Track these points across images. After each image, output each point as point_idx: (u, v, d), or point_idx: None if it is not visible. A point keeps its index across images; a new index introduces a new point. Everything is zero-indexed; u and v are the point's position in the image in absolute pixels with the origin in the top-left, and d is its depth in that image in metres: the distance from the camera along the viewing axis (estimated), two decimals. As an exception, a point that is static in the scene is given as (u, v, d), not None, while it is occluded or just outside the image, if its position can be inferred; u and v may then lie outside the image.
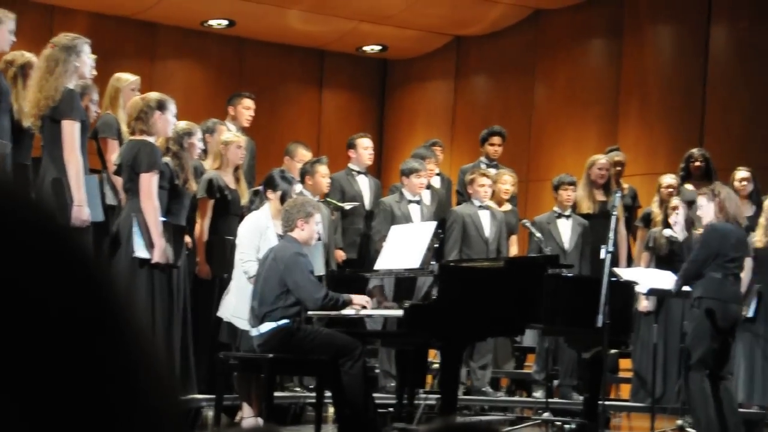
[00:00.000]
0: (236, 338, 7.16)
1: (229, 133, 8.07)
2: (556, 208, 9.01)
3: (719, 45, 11.41)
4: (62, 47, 6.42)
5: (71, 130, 6.29)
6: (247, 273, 6.90)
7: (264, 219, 7.07)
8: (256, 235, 7.03)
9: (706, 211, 7.13)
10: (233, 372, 6.81)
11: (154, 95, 6.78)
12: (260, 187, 7.56)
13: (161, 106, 6.63)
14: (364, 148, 9.05)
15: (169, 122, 6.67)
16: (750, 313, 8.25)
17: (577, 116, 12.30)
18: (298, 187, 7.56)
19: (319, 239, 7.72)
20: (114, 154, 6.97)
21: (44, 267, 0.79)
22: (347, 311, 6.53)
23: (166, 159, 6.72)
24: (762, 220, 8.34)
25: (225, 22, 12.70)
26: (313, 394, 7.02)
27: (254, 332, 6.52)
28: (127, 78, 7.56)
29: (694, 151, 9.71)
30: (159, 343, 0.89)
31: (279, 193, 7.21)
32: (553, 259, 6.94)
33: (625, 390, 9.52)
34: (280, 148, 9.48)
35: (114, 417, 0.80)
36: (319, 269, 7.24)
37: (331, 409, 7.37)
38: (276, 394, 6.90)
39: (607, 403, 7.49)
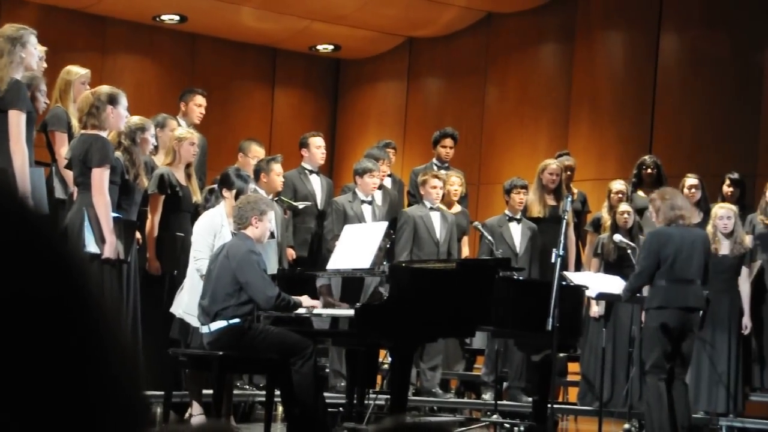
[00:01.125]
0: (188, 335, 7.13)
1: (183, 129, 8.02)
2: (507, 212, 9.05)
3: (669, 52, 11.52)
4: (7, 38, 6.33)
5: (17, 121, 6.21)
6: (199, 271, 6.87)
7: (219, 217, 7.05)
8: (211, 233, 7.00)
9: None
10: (183, 369, 6.77)
11: (105, 89, 6.71)
12: (215, 186, 7.53)
13: (113, 100, 6.57)
14: (317, 147, 9.05)
15: (121, 116, 6.61)
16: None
17: (529, 120, 12.36)
18: (252, 186, 7.53)
19: (272, 237, 7.72)
20: (64, 148, 6.90)
21: (20, 252, 0.80)
22: (299, 311, 6.52)
23: (118, 154, 6.67)
24: (709, 228, 8.45)
25: (177, 18, 12.63)
26: (263, 393, 6.98)
27: (204, 330, 6.48)
28: (77, 71, 7.49)
29: (647, 158, 9.79)
30: (126, 328, 0.90)
31: (234, 191, 7.19)
32: (504, 262, 6.96)
33: (573, 393, 9.59)
34: (232, 145, 9.43)
35: (88, 396, 0.81)
36: (273, 268, 7.22)
37: (280, 408, 7.35)
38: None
39: (555, 406, 7.52)
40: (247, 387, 8.14)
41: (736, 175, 9.31)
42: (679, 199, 7.23)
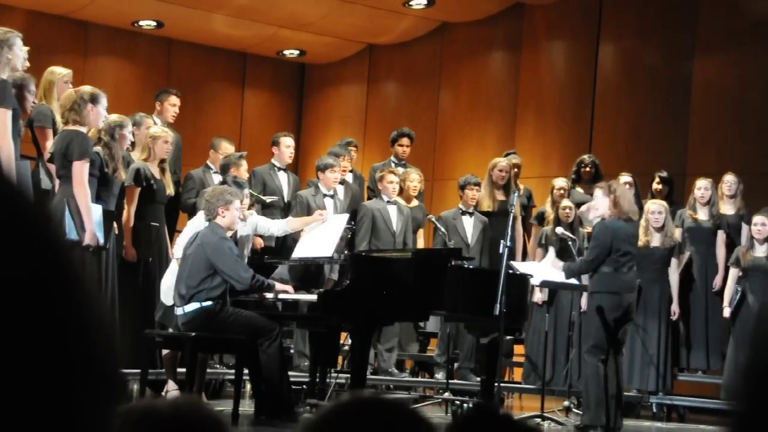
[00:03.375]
0: (168, 317, 7.06)
1: (158, 127, 7.98)
2: (460, 206, 9.04)
3: (607, 61, 11.59)
4: (-6, 41, 6.24)
5: (3, 118, 6.12)
6: (174, 255, 6.82)
7: (203, 222, 6.96)
8: (194, 232, 6.92)
9: (601, 204, 7.12)
10: (159, 348, 6.72)
11: (87, 88, 6.66)
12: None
13: (94, 99, 6.52)
14: (287, 146, 9.01)
15: (101, 115, 6.57)
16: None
17: (479, 122, 12.37)
18: (246, 190, 7.40)
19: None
20: (48, 142, 6.83)
21: (7, 231, 0.78)
22: (268, 295, 6.49)
23: (97, 148, 6.61)
24: (642, 222, 8.49)
25: (154, 23, 12.51)
26: (232, 371, 6.95)
27: (179, 311, 6.44)
28: (60, 71, 7.42)
29: (585, 157, 9.84)
30: (105, 309, 0.89)
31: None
32: (456, 252, 6.98)
33: (518, 373, 9.61)
34: (205, 142, 9.39)
35: (68, 370, 0.80)
36: (245, 255, 7.17)
37: (248, 386, 7.31)
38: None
39: (501, 384, 7.53)
40: (218, 366, 8.10)
41: (664, 174, 9.38)
42: (628, 194, 7.28)
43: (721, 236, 8.91)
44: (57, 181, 6.61)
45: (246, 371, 6.54)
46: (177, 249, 6.82)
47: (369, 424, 1.25)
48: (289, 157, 9.06)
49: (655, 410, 8.77)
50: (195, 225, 6.90)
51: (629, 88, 11.24)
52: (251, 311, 6.52)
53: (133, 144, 7.54)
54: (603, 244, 7.03)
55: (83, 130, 6.46)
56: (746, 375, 0.89)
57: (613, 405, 6.97)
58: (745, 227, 8.79)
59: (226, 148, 8.67)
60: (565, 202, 8.87)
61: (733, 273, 8.51)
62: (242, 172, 8.05)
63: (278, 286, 6.48)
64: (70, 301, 0.80)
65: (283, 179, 8.98)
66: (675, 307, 8.68)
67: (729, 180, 9.00)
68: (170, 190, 7.66)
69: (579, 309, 8.62)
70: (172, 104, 8.73)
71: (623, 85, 11.31)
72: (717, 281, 8.82)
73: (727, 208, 8.98)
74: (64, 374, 0.79)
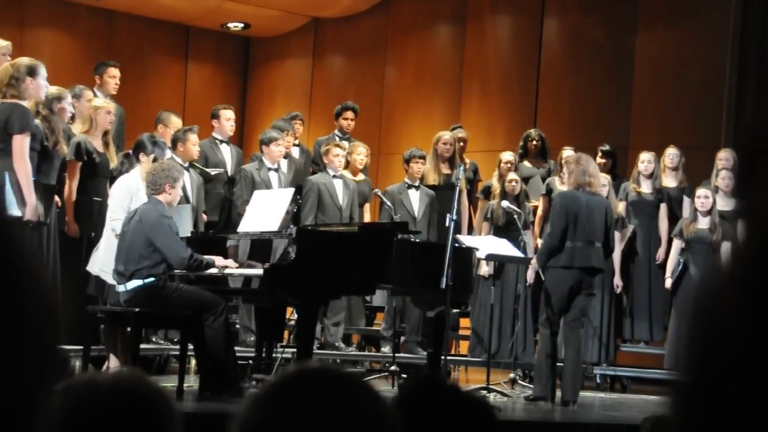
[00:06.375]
0: (104, 292, 7.01)
1: (100, 99, 7.87)
2: (406, 179, 9.03)
3: (551, 35, 11.64)
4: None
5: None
6: (114, 230, 6.74)
7: (135, 181, 6.91)
8: (127, 196, 6.88)
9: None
10: (100, 324, 6.65)
11: (25, 60, 6.54)
12: (130, 151, 7.41)
13: (32, 72, 6.41)
14: (227, 119, 8.93)
15: (41, 87, 6.46)
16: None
17: (425, 96, 12.36)
18: (168, 153, 7.42)
19: (188, 202, 7.63)
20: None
21: None
22: (211, 270, 6.43)
23: (37, 122, 6.50)
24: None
25: (94, -6, 12.31)
26: (177, 347, 6.91)
27: (121, 288, 6.37)
28: (-2, 43, 7.26)
29: (532, 131, 9.88)
30: (47, 285, 0.87)
31: (152, 156, 7.09)
32: (403, 226, 6.98)
33: (464, 346, 9.65)
34: (147, 116, 9.30)
35: (11, 344, 0.79)
36: (188, 230, 7.12)
37: (194, 361, 7.27)
38: (141, 346, 6.78)
39: (448, 357, 7.56)
40: (162, 342, 8.03)
41: (607, 147, 9.45)
42: (591, 166, 7.22)
43: (663, 209, 8.99)
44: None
45: (191, 347, 6.50)
46: (116, 224, 6.73)
47: (316, 395, 1.23)
48: (230, 129, 8.98)
49: (598, 381, 8.86)
50: (126, 186, 6.81)
51: (573, 62, 11.29)
52: (195, 286, 6.46)
53: (73, 117, 7.44)
54: (560, 214, 7.03)
55: (23, 103, 6.34)
56: (687, 346, 0.89)
57: (568, 377, 7.00)
58: (686, 200, 8.89)
59: (175, 122, 8.56)
60: (512, 175, 8.87)
61: (676, 245, 8.60)
62: (189, 146, 7.97)
63: (219, 261, 6.41)
64: (11, 276, 0.79)
65: (226, 152, 8.93)
66: (618, 280, 8.75)
67: (671, 153, 9.09)
68: (114, 164, 7.53)
69: (525, 282, 8.68)
70: (112, 76, 8.61)
71: (567, 60, 11.37)
72: (660, 253, 8.90)
73: (669, 181, 9.07)
74: (6, 348, 0.77)
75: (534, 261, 7.34)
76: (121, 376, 1.42)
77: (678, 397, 0.89)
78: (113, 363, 6.63)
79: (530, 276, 8.59)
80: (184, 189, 7.32)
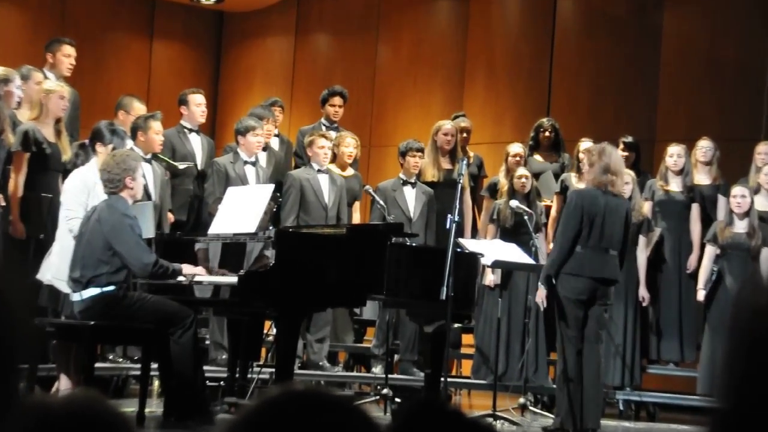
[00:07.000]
0: (58, 302, 6.99)
1: (52, 82, 7.84)
2: (401, 175, 9.02)
3: (566, 11, 11.64)
4: None
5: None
6: (72, 231, 6.73)
7: (92, 175, 6.90)
8: (84, 191, 6.88)
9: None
10: (51, 340, 6.63)
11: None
12: (86, 141, 7.39)
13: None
14: (197, 104, 8.93)
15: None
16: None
17: (423, 80, 12.37)
18: (129, 143, 7.41)
19: (149, 199, 7.61)
20: None
21: None
22: (180, 278, 6.43)
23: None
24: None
25: (45, -39, 12.29)
26: (138, 366, 6.88)
27: (76, 298, 6.36)
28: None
29: (544, 120, 9.86)
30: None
31: (110, 146, 7.08)
32: (397, 228, 6.98)
33: (467, 366, 9.63)
34: (106, 101, 9.31)
35: None
36: (150, 232, 7.09)
37: (156, 382, 7.26)
38: (97, 364, 6.75)
39: (448, 379, 7.53)
40: (121, 360, 8.02)
41: (630, 139, 9.42)
42: (614, 161, 7.11)
43: (695, 210, 8.98)
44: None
45: (154, 365, 6.48)
46: (74, 223, 6.71)
47: (301, 422, 1.21)
48: (201, 117, 8.98)
49: (621, 408, 8.84)
50: (81, 180, 6.78)
51: (591, 42, 11.30)
52: (161, 296, 6.45)
53: (20, 102, 7.44)
54: (575, 212, 7.02)
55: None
56: (725, 368, 0.88)
57: (588, 401, 6.97)
58: (721, 199, 8.88)
59: (139, 108, 8.57)
60: (521, 171, 8.86)
61: (710, 251, 8.58)
62: (151, 136, 7.96)
63: (187, 269, 6.41)
64: None
65: (196, 143, 8.92)
66: (643, 291, 8.74)
67: (704, 146, 9.07)
68: (67, 156, 7.52)
69: (536, 292, 8.65)
70: (67, 55, 8.60)
71: (585, 39, 11.37)
72: (691, 261, 8.89)
73: (702, 178, 9.05)
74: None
75: (541, 280, 7.26)
76: (74, 399, 1.40)
77: (715, 428, 0.88)
78: (64, 384, 6.61)
79: (540, 298, 8.16)
80: (145, 186, 7.31)
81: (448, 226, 6.66)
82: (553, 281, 7.08)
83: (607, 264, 7.04)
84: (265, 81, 13.40)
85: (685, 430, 8.02)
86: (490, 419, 7.35)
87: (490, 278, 8.83)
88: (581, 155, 8.84)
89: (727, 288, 8.41)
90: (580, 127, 10.31)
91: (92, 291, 6.28)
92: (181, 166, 8.56)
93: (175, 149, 8.71)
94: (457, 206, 6.79)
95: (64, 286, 6.73)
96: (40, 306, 7.06)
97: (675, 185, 9.01)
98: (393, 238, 6.51)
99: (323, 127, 9.60)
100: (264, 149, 8.89)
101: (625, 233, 7.16)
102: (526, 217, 8.33)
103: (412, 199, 8.94)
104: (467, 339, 9.69)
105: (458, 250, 6.89)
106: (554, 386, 7.70)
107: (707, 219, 8.93)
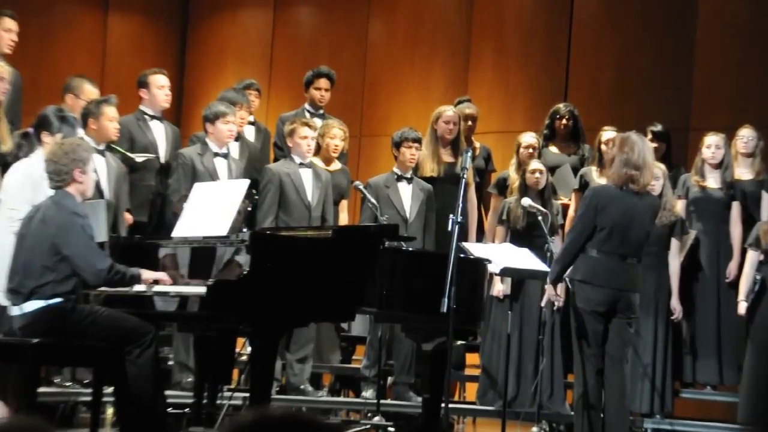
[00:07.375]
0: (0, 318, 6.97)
1: (-14, 61, 7.88)
2: (395, 169, 9.04)
3: (588, -17, 11.70)
4: None
5: None
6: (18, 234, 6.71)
7: (38, 167, 6.91)
8: (29, 186, 6.93)
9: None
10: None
11: None
12: (30, 129, 7.39)
13: None
14: (159, 87, 9.00)
15: None
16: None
17: (421, 61, 12.49)
18: (80, 132, 7.39)
19: (102, 197, 7.59)
20: None
21: None
22: (137, 287, 6.43)
23: None
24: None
25: None
26: (89, 390, 6.89)
27: (15, 311, 6.34)
28: None
29: (561, 106, 9.95)
30: None
31: (59, 135, 7.13)
32: (391, 230, 6.96)
33: (472, 390, 9.64)
34: (53, 83, 9.38)
35: None
36: (102, 235, 7.08)
37: (110, 409, 7.31)
38: (40, 389, 6.76)
39: (450, 405, 7.53)
40: (69, 384, 8.03)
41: (659, 128, 9.51)
42: (637, 154, 7.02)
43: (736, 209, 9.02)
44: None
45: (108, 390, 6.47)
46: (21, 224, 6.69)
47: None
48: (164, 101, 9.04)
49: (650, 438, 8.86)
50: (26, 174, 6.71)
51: (616, 18, 11.38)
52: (117, 309, 6.45)
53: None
54: (588, 211, 7.04)
55: None
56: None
57: (612, 428, 6.98)
58: (765, 197, 8.92)
59: (90, 91, 8.63)
60: (535, 164, 8.92)
61: (752, 257, 8.61)
62: (104, 123, 7.99)
63: (147, 274, 6.40)
64: None
65: (158, 131, 8.97)
66: (676, 303, 8.76)
67: (745, 135, 9.13)
68: (7, 146, 7.55)
69: (551, 305, 8.65)
70: (6, 29, 8.68)
71: (608, 14, 11.44)
72: (731, 268, 8.92)
73: (743, 173, 9.11)
74: None
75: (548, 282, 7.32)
76: (16, 426, 1.33)
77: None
78: (1, 411, 6.58)
79: (551, 293, 8.04)
80: (97, 182, 7.35)
81: (449, 228, 6.68)
82: (569, 286, 7.09)
83: (622, 273, 7.04)
84: (238, 61, 13.52)
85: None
86: (499, 452, 7.35)
87: (499, 288, 8.86)
88: (603, 147, 8.88)
89: (773, 299, 8.41)
90: (602, 114, 10.40)
91: (35, 303, 6.27)
92: (140, 158, 8.59)
93: (134, 139, 8.76)
94: (460, 205, 6.82)
95: (1, 298, 6.70)
96: None
97: (712, 181, 9.06)
98: (386, 242, 6.52)
99: (307, 114, 9.68)
100: (236, 139, 8.93)
101: (647, 234, 7.14)
102: (540, 218, 8.37)
103: (408, 196, 8.96)
104: (472, 359, 9.72)
105: (462, 255, 6.88)
106: (572, 413, 7.73)
107: (749, 219, 8.96)
